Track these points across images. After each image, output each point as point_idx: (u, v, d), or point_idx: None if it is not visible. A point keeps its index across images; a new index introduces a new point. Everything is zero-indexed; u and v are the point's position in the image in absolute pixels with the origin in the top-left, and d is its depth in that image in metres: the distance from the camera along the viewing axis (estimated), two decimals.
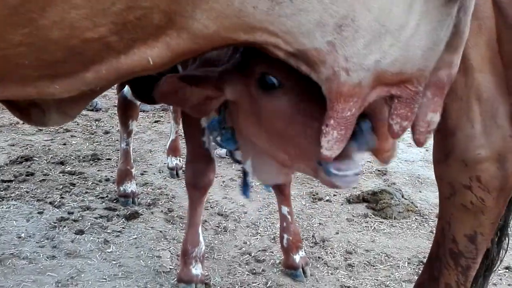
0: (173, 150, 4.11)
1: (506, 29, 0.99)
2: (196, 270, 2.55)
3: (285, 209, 2.68)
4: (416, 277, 2.03)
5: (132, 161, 3.72)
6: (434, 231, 3.25)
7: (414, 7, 1.03)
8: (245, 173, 1.84)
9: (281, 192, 2.65)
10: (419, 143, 1.25)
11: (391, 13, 1.03)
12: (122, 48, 1.11)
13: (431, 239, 3.22)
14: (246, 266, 2.86)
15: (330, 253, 3.01)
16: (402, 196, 3.64)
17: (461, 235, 1.72)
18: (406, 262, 2.94)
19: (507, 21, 1.00)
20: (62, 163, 4.19)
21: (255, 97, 1.35)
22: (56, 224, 3.15)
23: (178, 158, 4.11)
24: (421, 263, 2.91)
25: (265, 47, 1.19)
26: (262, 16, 1.09)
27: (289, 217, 2.69)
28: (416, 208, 3.57)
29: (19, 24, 0.91)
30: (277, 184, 2.57)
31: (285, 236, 2.72)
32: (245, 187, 1.85)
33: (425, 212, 3.55)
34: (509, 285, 2.81)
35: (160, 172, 4.26)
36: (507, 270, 2.92)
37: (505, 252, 1.86)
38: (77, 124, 5.16)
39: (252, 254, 2.98)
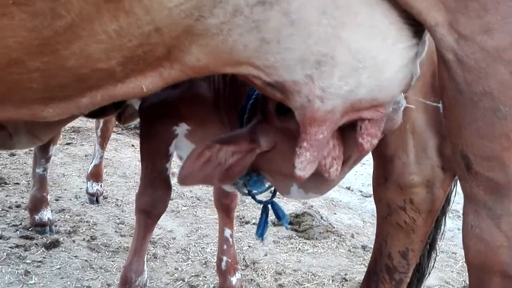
0: (94, 176, 3.93)
1: (449, 83, 1.16)
2: None
3: (228, 232, 2.74)
4: None
5: (47, 187, 3.50)
6: (352, 250, 3.59)
7: (389, 47, 1.16)
8: (265, 214, 1.90)
9: (228, 215, 2.71)
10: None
11: (370, 52, 1.14)
12: (122, 77, 1.14)
13: (350, 258, 3.53)
14: None
15: (261, 274, 3.12)
16: (321, 218, 3.90)
17: (396, 251, 1.95)
18: (331, 280, 3.15)
19: (451, 73, 1.16)
20: None
21: (285, 128, 1.49)
22: None
23: (100, 184, 3.94)
24: (343, 280, 3.14)
25: (244, 77, 1.28)
26: (250, 53, 1.17)
27: (230, 239, 2.76)
28: (334, 229, 3.85)
29: (43, 53, 0.91)
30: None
31: (224, 258, 2.76)
32: (263, 228, 1.90)
33: (342, 233, 3.84)
34: None
35: (76, 198, 4.05)
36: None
37: (433, 266, 2.13)
38: None
39: (186, 280, 2.97)
